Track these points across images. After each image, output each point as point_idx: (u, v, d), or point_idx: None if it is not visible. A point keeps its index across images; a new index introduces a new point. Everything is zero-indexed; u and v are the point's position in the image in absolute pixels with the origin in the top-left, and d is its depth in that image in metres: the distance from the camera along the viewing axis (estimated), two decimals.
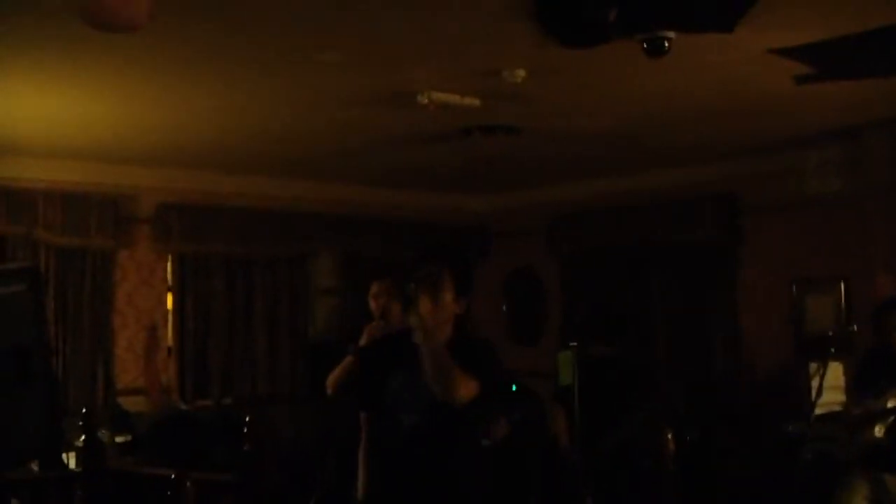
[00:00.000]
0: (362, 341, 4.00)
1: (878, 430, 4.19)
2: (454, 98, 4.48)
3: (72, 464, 4.97)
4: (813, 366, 5.22)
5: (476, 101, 4.56)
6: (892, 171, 5.26)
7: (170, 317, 6.42)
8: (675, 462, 5.12)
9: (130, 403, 5.96)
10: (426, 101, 4.43)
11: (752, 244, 6.11)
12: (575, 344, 4.76)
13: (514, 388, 6.41)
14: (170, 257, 6.42)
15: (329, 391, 4.16)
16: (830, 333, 4.51)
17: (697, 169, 6.24)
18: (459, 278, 2.93)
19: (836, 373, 4.47)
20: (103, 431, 5.28)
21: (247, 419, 5.32)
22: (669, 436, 5.11)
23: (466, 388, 2.80)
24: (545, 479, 5.26)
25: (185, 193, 6.40)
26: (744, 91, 4.53)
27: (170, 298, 6.42)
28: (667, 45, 3.58)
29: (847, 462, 4.28)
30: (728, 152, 5.93)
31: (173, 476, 4.66)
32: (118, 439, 5.45)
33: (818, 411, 4.43)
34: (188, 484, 4.59)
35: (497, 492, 3.02)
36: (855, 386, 4.43)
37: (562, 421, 5.01)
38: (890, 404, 4.15)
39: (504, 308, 7.77)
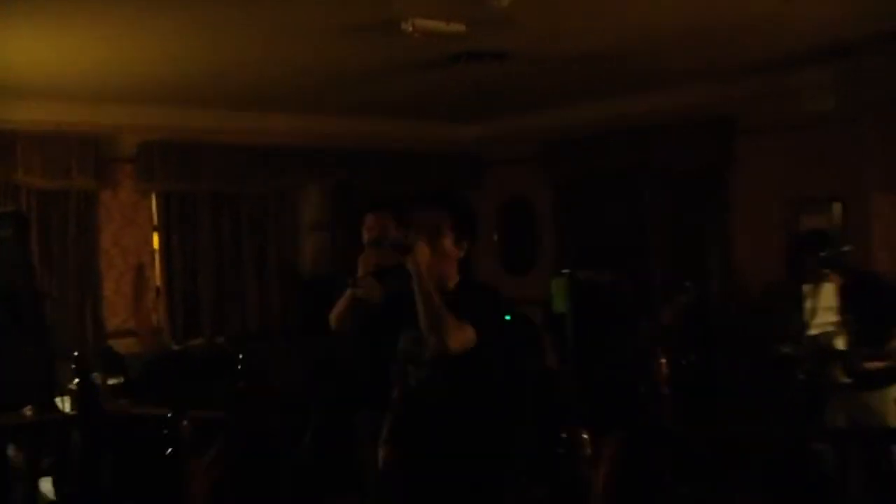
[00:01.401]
0: (359, 273, 3.89)
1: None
2: (439, 25, 4.43)
3: (66, 407, 5.01)
4: (806, 287, 5.19)
5: (462, 27, 4.51)
6: (886, 88, 5.24)
7: (157, 256, 6.42)
8: (669, 385, 5.12)
9: (121, 345, 6.01)
10: (410, 28, 4.38)
11: (746, 166, 6.12)
12: (568, 271, 4.87)
13: (507, 317, 6.54)
14: (154, 196, 6.41)
15: (333, 325, 4.01)
16: (823, 254, 4.55)
17: (690, 91, 6.20)
18: (460, 222, 2.95)
19: (828, 294, 4.48)
20: (95, 374, 5.33)
21: (239, 356, 5.39)
22: (664, 360, 5.11)
23: (460, 337, 2.79)
24: (538, 404, 5.22)
25: (168, 131, 6.36)
26: (732, 9, 4.50)
27: (156, 238, 6.41)
28: None
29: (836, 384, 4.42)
30: (720, 74, 5.89)
31: (169, 415, 4.73)
32: (111, 382, 5.46)
33: (811, 332, 4.53)
34: (184, 423, 4.66)
35: (497, 423, 3.03)
36: None
37: (550, 348, 5.13)
38: None
39: (496, 237, 7.80)
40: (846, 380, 4.43)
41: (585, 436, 4.74)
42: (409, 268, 2.81)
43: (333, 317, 4.07)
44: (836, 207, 5.72)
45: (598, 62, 5.51)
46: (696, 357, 5.45)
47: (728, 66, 5.71)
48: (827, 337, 4.47)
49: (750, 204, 6.12)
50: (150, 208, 6.43)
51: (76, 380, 4.90)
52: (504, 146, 7.65)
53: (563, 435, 4.87)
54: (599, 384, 4.80)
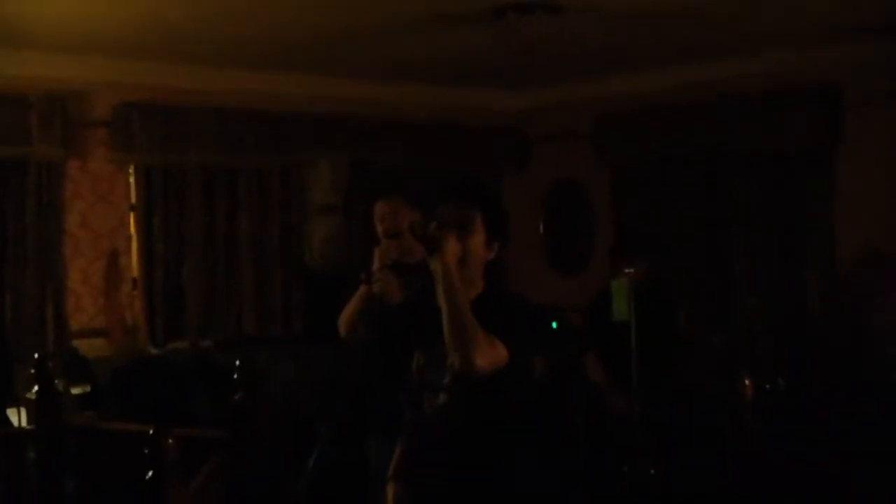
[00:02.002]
0: (374, 266, 4.03)
1: None
2: None
3: (21, 421, 5.04)
4: None
5: None
6: None
7: (134, 242, 6.39)
8: (754, 415, 5.13)
9: (88, 348, 5.98)
10: None
11: (854, 146, 5.99)
12: (631, 271, 4.84)
13: (553, 325, 6.52)
14: (132, 169, 6.36)
15: (343, 330, 4.17)
16: None
17: (783, 55, 6.11)
18: (491, 219, 3.01)
19: None
20: (58, 381, 5.18)
21: (236, 363, 5.23)
22: (748, 382, 5.13)
23: (490, 355, 2.82)
24: (590, 433, 5.35)
25: (151, 90, 6.29)
26: None
27: (133, 219, 6.39)
28: None
29: None
30: (823, 34, 5.76)
31: (151, 432, 4.50)
32: (75, 390, 5.49)
33: None
34: (169, 441, 4.44)
35: (529, 459, 3.07)
36: None
37: (596, 367, 5.24)
38: None
39: (541, 229, 7.77)
40: None
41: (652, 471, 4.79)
42: (435, 266, 2.87)
43: (343, 321, 4.17)
44: None
45: (671, 19, 5.41)
46: (784, 381, 5.34)
47: (833, 24, 5.56)
48: None
49: (859, 192, 5.97)
50: (126, 183, 6.37)
51: (34, 388, 4.83)
52: (553, 120, 7.62)
53: (625, 469, 4.89)
54: (664, 413, 4.85)
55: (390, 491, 3.13)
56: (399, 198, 4.22)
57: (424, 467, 3.03)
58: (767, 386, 5.25)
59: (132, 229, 6.37)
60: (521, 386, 3.01)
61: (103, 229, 6.23)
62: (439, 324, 2.86)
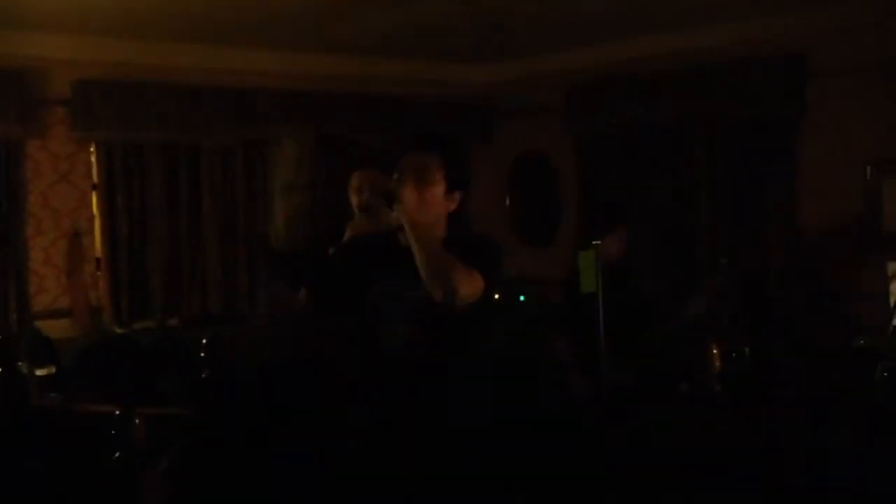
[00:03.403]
0: (345, 240, 4.02)
1: None
2: None
3: None
4: (891, 266, 5.23)
5: None
6: None
7: (97, 221, 6.34)
8: (721, 383, 5.07)
9: (52, 329, 5.90)
10: None
11: (818, 117, 5.98)
12: (599, 242, 4.72)
13: (521, 298, 6.51)
14: (93, 147, 6.30)
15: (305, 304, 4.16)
16: None
17: (749, 24, 6.08)
18: (452, 169, 3.07)
19: None
20: (21, 363, 5.24)
21: (203, 341, 5.39)
22: (715, 351, 5.08)
23: (471, 283, 2.90)
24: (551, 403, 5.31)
25: (111, 67, 6.22)
26: None
27: (95, 198, 6.34)
28: None
29: None
30: (788, 3, 5.76)
31: (118, 412, 4.64)
32: (39, 372, 5.39)
33: None
34: (137, 421, 4.58)
35: (500, 409, 3.20)
36: None
37: (562, 347, 5.20)
38: None
39: (508, 201, 7.78)
40: None
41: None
42: (394, 216, 2.95)
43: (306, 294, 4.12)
44: None
45: None
46: (749, 349, 5.26)
47: None
48: None
49: (821, 163, 5.98)
50: (88, 162, 6.30)
51: None
52: (521, 92, 7.60)
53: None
54: (633, 383, 4.84)
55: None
56: (375, 170, 4.26)
57: (386, 406, 3.09)
58: (734, 354, 5.18)
59: (94, 209, 6.32)
60: (490, 322, 3.10)
61: (65, 209, 6.17)
62: (397, 258, 2.95)
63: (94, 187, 6.33)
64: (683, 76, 6.48)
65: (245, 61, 6.66)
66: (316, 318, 4.42)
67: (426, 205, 3.01)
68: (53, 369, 5.52)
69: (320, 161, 7.06)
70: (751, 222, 6.26)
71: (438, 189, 3.04)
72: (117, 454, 4.58)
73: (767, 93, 6.11)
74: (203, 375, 5.55)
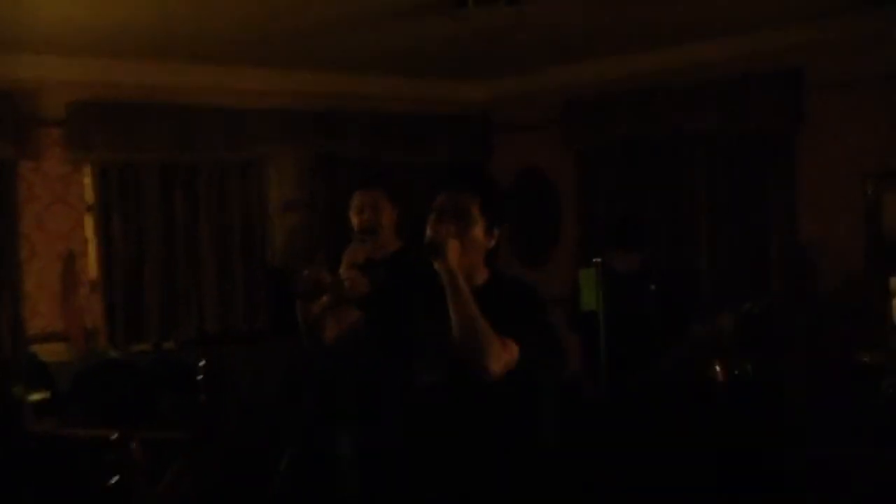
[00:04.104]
0: (342, 270, 3.94)
1: None
2: None
3: None
4: (893, 281, 5.21)
5: None
6: None
7: (91, 243, 6.34)
8: (724, 399, 5.15)
9: (47, 352, 5.93)
10: None
11: (816, 131, 5.98)
12: (599, 260, 4.78)
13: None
14: (89, 168, 6.31)
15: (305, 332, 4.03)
16: None
17: (745, 39, 6.09)
18: (490, 207, 2.97)
19: None
20: (16, 388, 5.27)
21: (200, 364, 5.33)
22: (718, 367, 5.15)
23: (504, 359, 2.82)
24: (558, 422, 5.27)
25: (106, 87, 6.26)
26: None
27: (90, 220, 6.34)
28: None
29: None
30: (784, 17, 5.78)
31: (115, 437, 4.63)
32: (34, 397, 5.41)
33: None
34: (133, 445, 4.57)
35: (505, 437, 3.08)
36: None
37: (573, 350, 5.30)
38: None
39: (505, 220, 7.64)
40: None
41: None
42: (440, 269, 2.84)
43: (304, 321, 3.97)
44: None
45: (635, 4, 5.42)
46: (752, 366, 5.36)
47: (794, 6, 5.58)
48: None
49: (822, 178, 5.97)
50: (82, 183, 6.31)
51: None
52: (518, 108, 7.59)
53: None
54: (638, 399, 4.86)
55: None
56: (379, 189, 4.18)
57: (412, 446, 3.03)
58: (736, 371, 5.26)
59: (89, 230, 6.31)
60: (527, 380, 3.02)
61: (59, 231, 6.18)
62: (442, 297, 2.83)
63: (89, 209, 6.32)
64: (681, 91, 6.49)
65: (240, 80, 6.69)
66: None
67: (466, 250, 2.90)
68: (48, 394, 5.54)
69: (317, 180, 7.05)
70: (750, 238, 6.23)
71: (478, 230, 2.95)
72: (115, 479, 4.55)
73: (765, 107, 6.11)
74: (201, 399, 5.46)
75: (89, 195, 6.32)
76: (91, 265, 6.33)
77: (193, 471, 4.91)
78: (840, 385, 5.21)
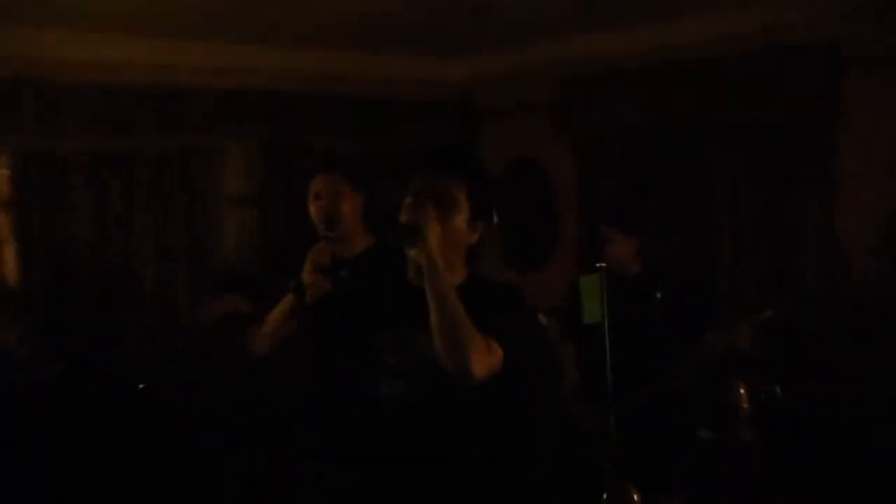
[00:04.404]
0: (305, 273, 4.00)
1: None
2: None
3: None
4: None
5: None
6: None
7: (8, 244, 6.30)
8: (751, 430, 5.09)
9: None
10: None
11: (855, 114, 5.94)
12: (604, 265, 4.59)
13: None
14: (3, 159, 6.26)
15: (260, 346, 4.22)
16: None
17: (775, 11, 6.08)
18: (478, 194, 3.00)
19: None
20: None
21: (139, 386, 5.52)
22: (742, 391, 5.08)
23: (487, 362, 2.85)
24: (561, 451, 5.41)
25: (21, 63, 6.13)
26: None
27: (6, 219, 6.30)
28: None
29: None
30: None
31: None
32: None
33: None
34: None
35: (495, 462, 3.15)
36: None
37: (571, 364, 5.29)
38: None
39: (495, 217, 7.56)
40: None
41: (636, 497, 4.62)
42: (416, 257, 2.86)
43: (266, 331, 4.17)
44: None
45: None
46: (781, 390, 5.30)
47: None
48: None
49: (861, 168, 5.93)
50: None
51: None
52: (505, 89, 7.62)
53: (605, 496, 4.72)
54: (643, 427, 4.84)
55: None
56: (339, 173, 4.21)
57: (372, 463, 3.07)
58: (762, 396, 5.21)
59: (5, 231, 6.27)
60: (507, 390, 3.05)
61: None
62: (410, 298, 2.88)
63: (6, 206, 6.29)
64: (697, 70, 6.45)
65: (182, 54, 6.64)
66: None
67: (445, 241, 2.91)
68: None
69: (272, 171, 7.07)
70: (780, 242, 6.21)
71: (461, 220, 2.96)
72: None
73: (796, 89, 6.07)
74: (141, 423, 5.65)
75: (5, 190, 6.29)
76: (9, 272, 6.29)
77: None
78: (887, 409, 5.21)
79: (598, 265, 4.57)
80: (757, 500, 5.02)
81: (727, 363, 5.17)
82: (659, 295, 5.03)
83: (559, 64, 7.12)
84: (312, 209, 4.21)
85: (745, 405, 5.08)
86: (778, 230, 6.22)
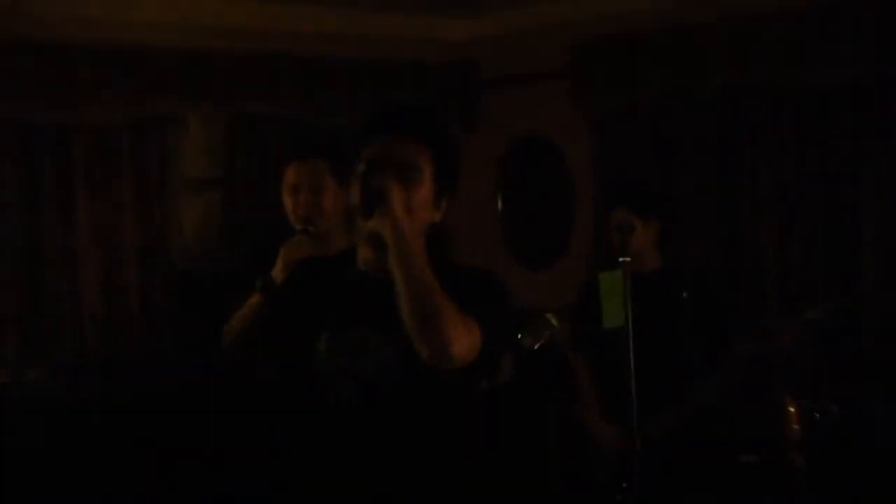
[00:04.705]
0: (276, 270, 4.04)
1: None
2: None
3: None
4: None
5: None
6: None
7: None
8: (801, 455, 5.07)
9: None
10: None
11: None
12: (627, 259, 4.71)
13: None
14: None
15: (228, 347, 4.19)
16: None
17: None
18: (443, 164, 2.97)
19: None
20: None
21: (78, 399, 5.63)
22: (792, 409, 5.06)
23: (467, 339, 2.81)
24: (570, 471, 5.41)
25: None
26: None
27: None
28: None
29: None
30: None
31: None
32: None
33: None
34: None
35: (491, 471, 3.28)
36: None
37: (585, 381, 5.33)
38: None
39: (500, 204, 7.75)
40: None
41: None
42: (378, 228, 2.83)
43: (229, 335, 4.15)
44: None
45: None
46: (839, 407, 5.26)
47: None
48: None
49: None
50: None
51: None
52: (512, 54, 7.55)
53: None
54: (680, 447, 4.90)
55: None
56: (320, 161, 4.23)
57: (327, 478, 3.05)
58: (816, 414, 5.14)
59: None
60: (484, 386, 3.09)
61: None
62: (361, 294, 2.91)
63: None
64: (738, 30, 6.34)
65: (134, 9, 6.57)
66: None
67: (410, 215, 2.88)
68: None
69: (239, 148, 7.02)
70: (836, 234, 6.13)
71: (425, 191, 2.92)
72: None
73: (855, 50, 5.91)
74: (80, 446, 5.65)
75: None
76: None
77: None
78: None
79: (620, 259, 4.68)
80: None
81: (768, 374, 5.24)
82: (685, 295, 5.00)
83: (575, 24, 7.04)
84: (288, 203, 4.22)
85: (794, 426, 5.07)
86: (832, 217, 6.13)
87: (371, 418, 2.97)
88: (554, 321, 5.10)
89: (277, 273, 3.97)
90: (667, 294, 4.99)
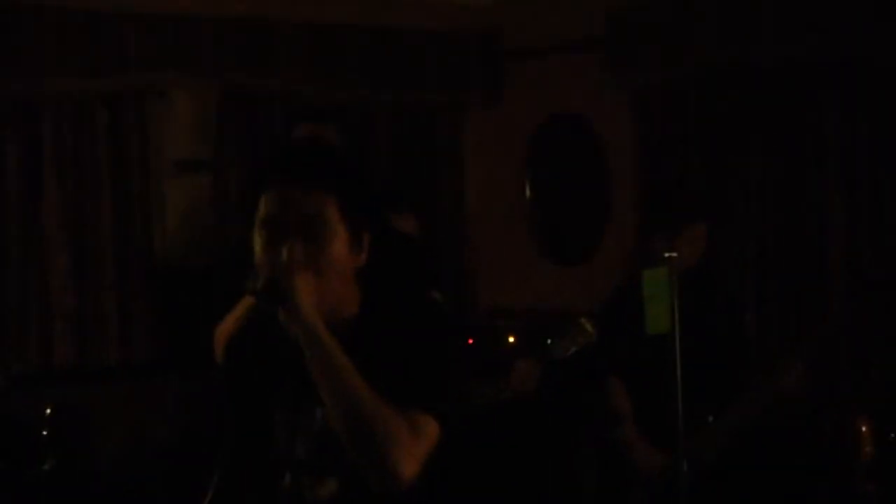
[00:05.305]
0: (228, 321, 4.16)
1: None
2: None
3: None
4: None
5: None
6: None
7: None
8: (874, 482, 5.08)
9: None
10: None
11: None
12: (674, 255, 4.50)
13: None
14: None
15: (220, 354, 4.13)
16: None
17: None
18: (353, 206, 2.90)
19: None
20: None
21: (46, 412, 5.60)
22: (864, 429, 5.08)
23: (417, 451, 2.74)
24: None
25: None
26: None
27: None
28: None
29: None
30: None
31: None
32: None
33: None
34: None
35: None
36: None
37: (623, 398, 5.11)
38: None
39: (528, 192, 7.68)
40: None
41: None
42: (288, 323, 2.75)
43: (221, 338, 4.16)
44: None
45: None
46: None
47: None
48: None
49: None
50: None
51: None
52: (541, 24, 7.50)
53: None
54: (732, 470, 4.83)
55: None
56: (326, 124, 4.35)
57: None
58: (893, 434, 5.21)
59: None
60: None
61: None
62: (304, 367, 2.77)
63: None
64: None
65: None
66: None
67: (326, 278, 2.80)
68: None
69: (229, 126, 7.01)
70: None
71: (339, 244, 2.84)
72: None
73: None
74: (45, 467, 5.64)
75: None
76: None
77: None
78: None
79: (666, 255, 4.47)
80: None
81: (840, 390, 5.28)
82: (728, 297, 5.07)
83: None
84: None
85: (867, 448, 5.08)
86: None
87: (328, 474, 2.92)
88: (589, 327, 5.04)
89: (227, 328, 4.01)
90: (706, 296, 4.95)
